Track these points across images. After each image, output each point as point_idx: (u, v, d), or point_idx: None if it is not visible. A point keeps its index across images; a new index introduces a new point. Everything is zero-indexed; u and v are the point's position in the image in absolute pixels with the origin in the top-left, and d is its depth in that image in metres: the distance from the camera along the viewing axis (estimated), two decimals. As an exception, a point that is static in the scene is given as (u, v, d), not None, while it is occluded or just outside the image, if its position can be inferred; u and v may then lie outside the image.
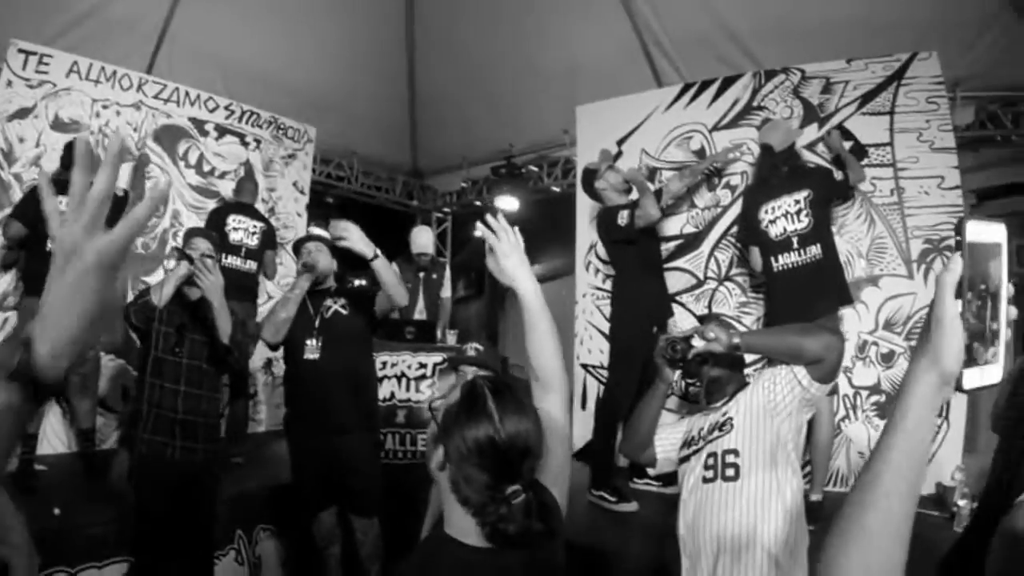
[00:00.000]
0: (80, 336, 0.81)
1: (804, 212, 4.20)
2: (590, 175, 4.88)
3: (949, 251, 4.41)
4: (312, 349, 3.79)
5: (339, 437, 3.75)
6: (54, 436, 5.03)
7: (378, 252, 3.64)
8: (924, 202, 4.70)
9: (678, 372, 2.61)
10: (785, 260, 4.25)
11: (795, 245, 4.21)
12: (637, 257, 4.60)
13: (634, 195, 4.67)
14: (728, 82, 5.40)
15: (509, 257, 1.75)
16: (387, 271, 3.69)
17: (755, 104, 5.27)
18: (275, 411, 6.26)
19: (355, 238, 3.56)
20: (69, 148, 4.80)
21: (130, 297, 5.39)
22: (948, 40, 4.86)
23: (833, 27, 5.12)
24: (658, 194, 4.56)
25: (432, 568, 1.44)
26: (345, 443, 3.76)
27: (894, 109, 4.83)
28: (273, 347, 4.00)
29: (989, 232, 0.86)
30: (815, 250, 4.17)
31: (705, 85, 5.49)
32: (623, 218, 4.47)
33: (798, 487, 2.32)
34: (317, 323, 3.83)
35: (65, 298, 0.79)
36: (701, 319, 5.03)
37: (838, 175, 4.34)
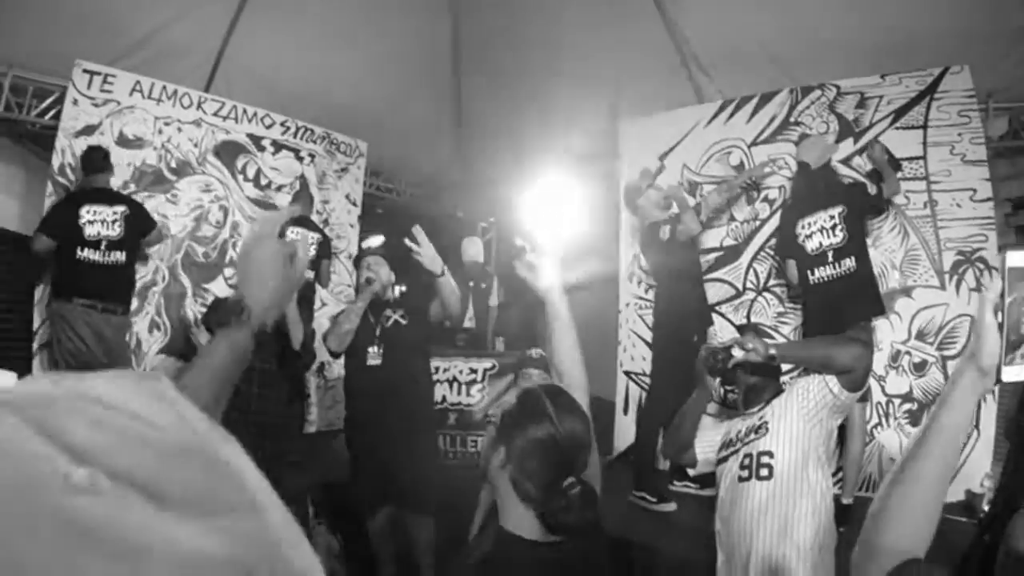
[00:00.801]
0: (276, 297, 1.23)
1: (839, 227, 4.38)
2: (633, 193, 5.16)
3: (981, 262, 4.64)
4: (374, 356, 4.06)
5: (398, 438, 3.98)
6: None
7: (445, 270, 3.90)
8: (956, 214, 4.83)
9: (718, 379, 2.83)
10: (820, 273, 4.44)
11: (830, 259, 4.40)
12: (678, 269, 4.86)
13: (674, 210, 4.91)
14: (766, 98, 5.58)
15: (542, 268, 1.99)
16: (449, 288, 3.95)
17: (792, 120, 5.44)
18: (326, 412, 6.48)
19: (428, 254, 3.81)
20: (86, 156, 5.11)
21: (189, 304, 5.74)
22: (980, 53, 4.95)
23: (867, 43, 5.21)
24: (697, 209, 4.80)
25: (495, 562, 1.58)
26: (403, 444, 3.99)
27: (927, 123, 4.96)
28: (336, 356, 4.27)
29: None
30: (849, 263, 4.34)
31: (744, 101, 5.68)
32: (665, 233, 4.74)
33: (828, 489, 2.54)
34: (378, 332, 4.10)
35: (264, 275, 1.22)
36: (740, 329, 5.23)
37: (872, 189, 4.50)
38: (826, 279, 4.44)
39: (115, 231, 5.02)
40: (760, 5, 5.42)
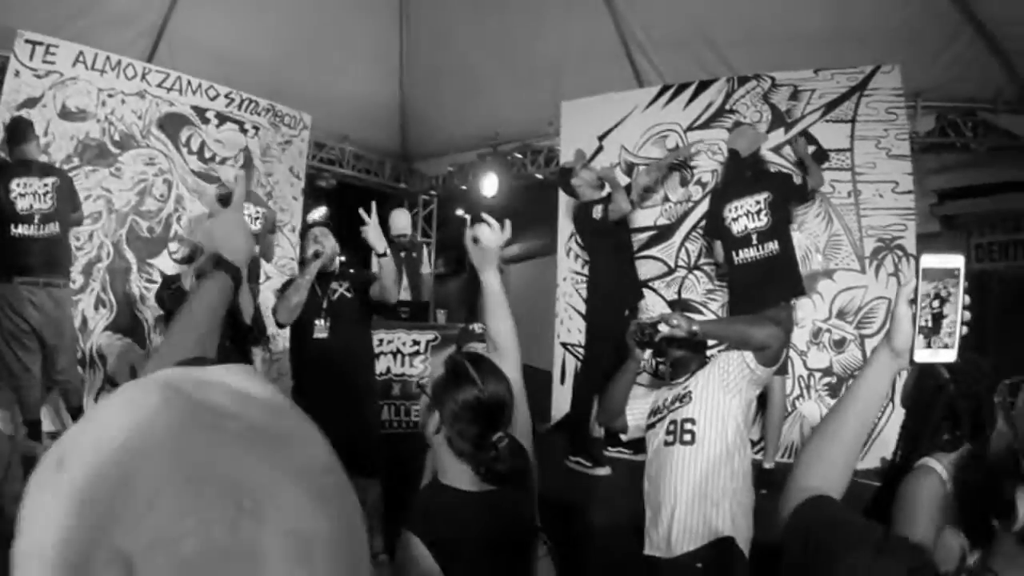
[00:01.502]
0: (242, 248, 1.41)
1: (764, 212, 4.64)
2: (567, 173, 5.39)
3: (900, 250, 5.00)
4: (321, 329, 4.17)
5: (344, 407, 4.05)
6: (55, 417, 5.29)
7: (388, 251, 4.04)
8: (878, 204, 5.16)
9: (648, 351, 3.03)
10: (745, 255, 4.71)
11: (754, 241, 4.66)
12: (611, 246, 5.12)
13: (607, 190, 5.12)
14: (703, 85, 5.81)
15: (489, 250, 2.17)
16: (390, 269, 4.09)
17: (727, 108, 5.69)
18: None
19: (375, 232, 3.96)
20: (11, 127, 5.00)
21: (135, 279, 5.73)
22: (912, 53, 5.25)
23: (804, 38, 5.47)
24: (628, 188, 5.04)
25: (435, 509, 1.79)
26: (350, 412, 4.10)
27: (855, 118, 5.26)
28: (283, 327, 4.39)
29: (946, 261, 1.24)
30: (772, 246, 4.62)
31: (682, 88, 5.89)
32: (597, 212, 4.98)
33: (746, 454, 2.78)
34: (324, 304, 4.21)
35: (229, 229, 1.41)
36: (671, 305, 5.51)
37: (798, 179, 4.82)
38: (750, 260, 4.70)
39: (47, 203, 4.87)
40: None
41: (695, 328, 2.79)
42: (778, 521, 1.27)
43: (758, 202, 4.68)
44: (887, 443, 4.59)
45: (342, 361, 4.18)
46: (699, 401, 2.81)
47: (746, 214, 4.71)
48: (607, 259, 5.17)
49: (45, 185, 4.91)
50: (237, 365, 0.59)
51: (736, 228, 4.74)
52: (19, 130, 4.97)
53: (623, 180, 5.56)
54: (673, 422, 2.84)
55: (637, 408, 3.09)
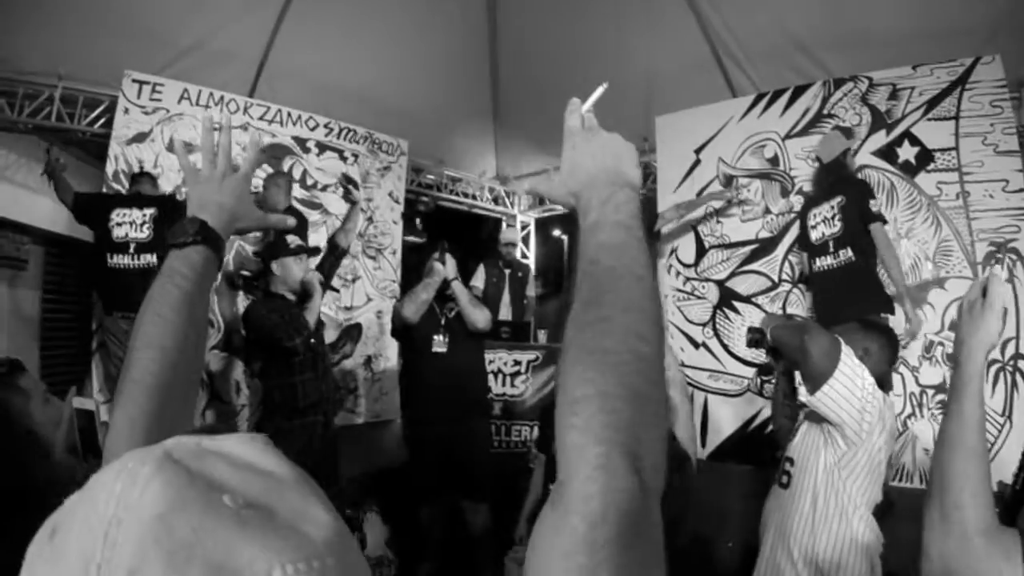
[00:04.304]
0: (232, 217, 1.34)
1: (837, 216, 4.60)
2: None
3: (1015, 253, 4.78)
4: (440, 344, 4.40)
5: (459, 425, 4.30)
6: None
7: (459, 276, 4.36)
8: (989, 205, 4.94)
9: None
10: (822, 263, 4.71)
11: (831, 248, 4.64)
12: None
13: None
14: (799, 91, 5.77)
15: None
16: (461, 292, 4.39)
17: (825, 112, 5.61)
18: (373, 404, 6.81)
19: (450, 264, 4.30)
20: (134, 179, 5.45)
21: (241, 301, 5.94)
22: (1012, 42, 5.03)
23: (899, 35, 5.32)
24: (654, 219, 5.33)
25: None
26: (465, 431, 4.33)
27: (959, 114, 5.07)
28: (403, 328, 4.46)
29: None
30: (847, 253, 4.57)
31: (777, 94, 5.87)
32: None
33: (851, 519, 2.34)
34: (443, 321, 4.45)
35: (214, 193, 1.34)
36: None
37: (875, 205, 4.61)
38: (826, 268, 4.69)
39: (144, 233, 5.15)
40: (791, -2, 5.59)
41: (762, 326, 2.69)
42: None
43: (832, 207, 4.67)
44: (1004, 464, 4.50)
45: (460, 376, 4.41)
46: (801, 436, 2.55)
47: (823, 220, 4.71)
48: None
49: (144, 215, 5.20)
50: (250, 435, 0.59)
51: (815, 236, 4.75)
52: (142, 178, 5.49)
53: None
54: (786, 457, 2.59)
55: None
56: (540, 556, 0.67)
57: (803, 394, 2.36)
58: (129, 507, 0.46)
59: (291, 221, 1.64)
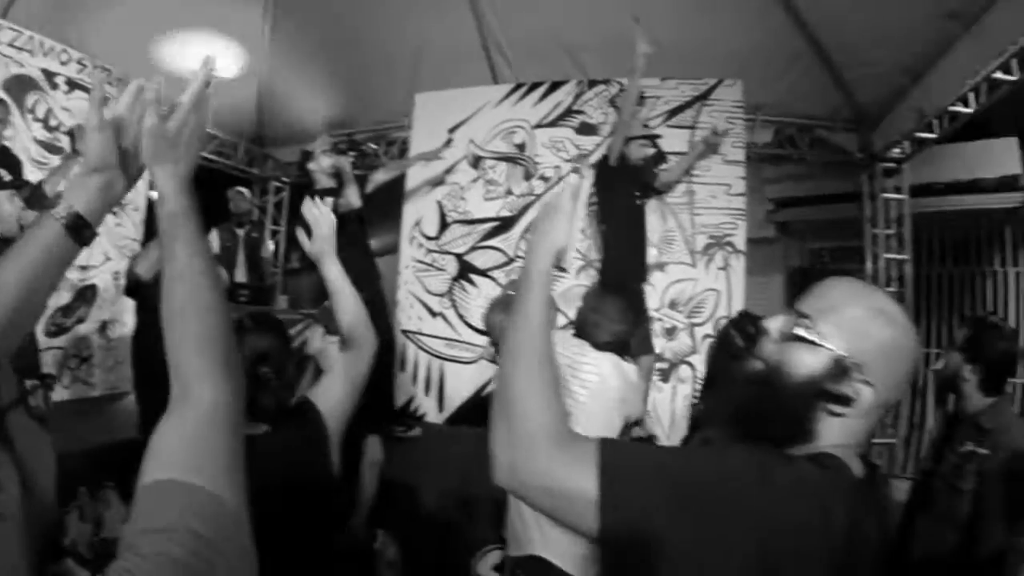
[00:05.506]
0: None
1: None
2: (306, 156, 5.51)
3: (729, 246, 5.30)
4: None
5: None
6: None
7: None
8: (712, 204, 5.44)
9: None
10: None
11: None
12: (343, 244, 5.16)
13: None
14: (555, 86, 6.07)
15: (322, 236, 2.17)
16: None
17: (575, 108, 5.95)
18: (108, 375, 6.11)
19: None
20: None
21: None
22: (757, 71, 5.64)
23: (658, 49, 5.59)
24: (362, 183, 5.29)
25: None
26: None
27: (695, 125, 5.59)
28: (135, 285, 4.05)
29: None
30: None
31: (535, 87, 6.13)
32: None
33: None
34: None
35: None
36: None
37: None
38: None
39: None
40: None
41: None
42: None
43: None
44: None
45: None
46: None
47: None
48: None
49: None
50: None
51: None
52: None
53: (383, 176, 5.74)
54: None
55: None
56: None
57: None
58: None
59: None
